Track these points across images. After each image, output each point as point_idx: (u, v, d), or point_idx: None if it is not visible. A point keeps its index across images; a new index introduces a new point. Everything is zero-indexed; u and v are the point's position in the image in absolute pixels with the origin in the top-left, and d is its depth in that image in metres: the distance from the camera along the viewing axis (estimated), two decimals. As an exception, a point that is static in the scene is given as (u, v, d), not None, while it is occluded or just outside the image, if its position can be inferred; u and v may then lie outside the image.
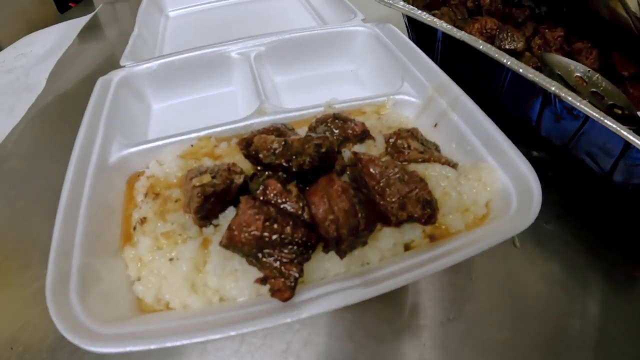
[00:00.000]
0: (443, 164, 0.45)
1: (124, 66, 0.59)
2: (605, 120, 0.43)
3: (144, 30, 0.72)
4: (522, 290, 0.45)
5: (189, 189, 0.38)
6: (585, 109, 0.44)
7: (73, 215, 0.39)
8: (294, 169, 0.38)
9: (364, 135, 0.45)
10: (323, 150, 0.38)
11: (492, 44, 0.60)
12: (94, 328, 0.31)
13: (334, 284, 0.34)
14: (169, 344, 0.29)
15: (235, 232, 0.32)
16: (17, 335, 0.41)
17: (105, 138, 0.48)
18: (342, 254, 0.36)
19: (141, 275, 0.38)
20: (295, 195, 0.37)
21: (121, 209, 0.45)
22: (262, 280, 0.33)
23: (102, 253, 0.39)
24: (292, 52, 0.64)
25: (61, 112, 0.72)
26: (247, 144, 0.41)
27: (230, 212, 0.38)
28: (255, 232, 0.32)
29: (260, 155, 0.39)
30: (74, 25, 0.91)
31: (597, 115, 0.43)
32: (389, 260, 0.38)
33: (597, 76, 0.57)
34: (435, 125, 0.52)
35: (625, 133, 0.41)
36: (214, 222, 0.38)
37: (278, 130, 0.44)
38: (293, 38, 0.63)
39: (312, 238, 0.34)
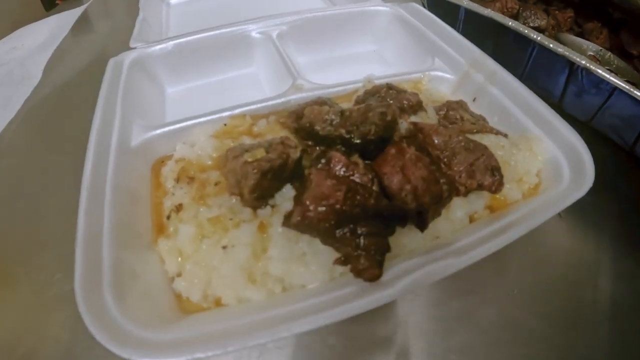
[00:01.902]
0: (495, 134, 0.41)
1: (134, 48, 0.51)
2: (636, 92, 0.43)
3: (149, 16, 0.64)
4: (572, 258, 0.43)
5: (236, 168, 0.31)
6: (615, 80, 0.44)
7: (98, 204, 0.32)
8: (356, 140, 0.32)
9: (418, 106, 0.39)
10: (389, 118, 0.32)
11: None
12: (142, 335, 0.24)
13: (417, 259, 0.29)
14: (249, 343, 0.22)
15: (311, 207, 0.26)
16: (34, 350, 0.33)
17: (124, 121, 0.41)
18: (424, 226, 0.30)
19: (183, 269, 0.31)
20: (363, 167, 0.30)
21: (149, 196, 0.37)
22: (343, 260, 0.27)
23: (134, 246, 0.32)
24: (314, 31, 0.58)
25: (60, 103, 0.63)
26: (298, 117, 0.34)
27: (287, 191, 0.31)
28: (336, 206, 0.26)
29: (317, 128, 0.33)
30: (68, 17, 0.82)
31: (627, 87, 0.43)
32: (462, 232, 0.33)
33: (609, 54, 0.58)
34: (474, 99, 0.48)
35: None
36: (270, 202, 0.31)
37: (325, 104, 0.38)
38: (315, 17, 0.57)
39: (396, 209, 0.28)
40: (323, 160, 0.31)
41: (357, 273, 0.26)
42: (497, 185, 0.35)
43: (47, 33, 0.76)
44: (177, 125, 0.40)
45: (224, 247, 0.29)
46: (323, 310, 0.25)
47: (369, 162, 0.33)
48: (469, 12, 0.59)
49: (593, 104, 0.49)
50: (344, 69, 0.58)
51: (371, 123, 0.32)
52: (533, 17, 0.60)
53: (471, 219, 0.36)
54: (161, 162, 0.41)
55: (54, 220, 0.44)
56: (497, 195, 0.37)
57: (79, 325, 0.34)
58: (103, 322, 0.25)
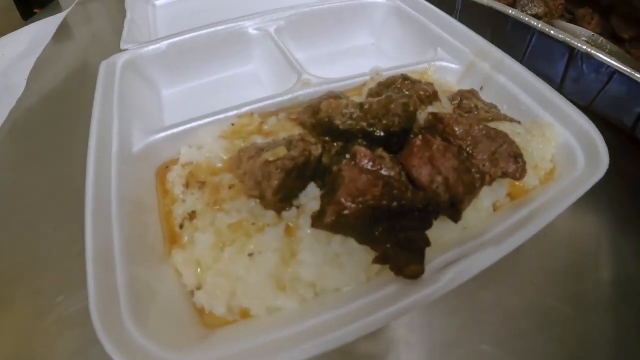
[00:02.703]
0: (510, 122, 0.40)
1: (125, 50, 0.48)
2: (636, 74, 0.43)
3: (136, 17, 0.60)
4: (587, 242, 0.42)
5: (254, 169, 0.29)
6: (616, 64, 0.45)
7: (105, 218, 0.29)
8: (380, 134, 0.30)
9: (434, 96, 0.37)
10: (411, 109, 0.30)
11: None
12: (167, 357, 0.22)
13: (454, 251, 0.28)
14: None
15: (346, 206, 0.24)
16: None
17: (123, 126, 0.37)
18: (458, 217, 0.28)
19: (204, 281, 0.28)
20: (390, 160, 0.28)
21: (156, 205, 0.34)
22: (382, 259, 0.24)
23: (148, 260, 0.29)
24: (312, 26, 0.55)
25: (47, 113, 0.59)
26: (314, 112, 0.32)
27: (311, 190, 0.29)
28: (372, 202, 0.24)
29: (337, 122, 0.30)
30: (49, 25, 0.77)
31: (628, 70, 0.44)
32: (489, 221, 0.32)
33: (602, 39, 0.59)
34: (481, 88, 0.47)
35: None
36: (295, 202, 0.28)
37: (339, 97, 0.35)
38: (313, 11, 0.54)
39: (432, 202, 0.26)
40: (348, 156, 0.28)
41: (399, 271, 0.24)
42: (521, 172, 0.34)
43: (28, 42, 0.70)
44: (182, 128, 0.37)
45: (250, 255, 0.26)
46: (369, 315, 0.22)
47: (392, 155, 0.31)
48: (467, 2, 0.58)
49: (593, 88, 0.49)
50: (344, 63, 0.56)
51: (394, 115, 0.30)
52: (531, 5, 0.60)
53: (494, 208, 0.34)
54: (165, 167, 0.37)
55: (52, 237, 0.40)
56: (517, 183, 0.37)
57: (88, 350, 0.31)
58: (124, 345, 0.22)
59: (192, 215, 0.31)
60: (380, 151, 0.30)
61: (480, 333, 0.34)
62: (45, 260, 0.38)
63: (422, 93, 0.36)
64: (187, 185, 0.34)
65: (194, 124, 0.38)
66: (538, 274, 0.39)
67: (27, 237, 0.41)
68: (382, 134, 0.30)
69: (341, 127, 0.30)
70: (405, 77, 0.37)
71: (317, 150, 0.29)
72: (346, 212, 0.24)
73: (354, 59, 0.57)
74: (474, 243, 0.29)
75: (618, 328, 0.35)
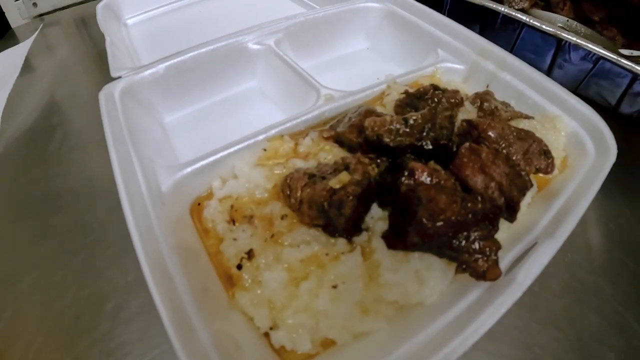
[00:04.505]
0: (525, 118, 0.41)
1: (118, 77, 0.43)
2: (622, 60, 0.48)
3: (115, 40, 0.55)
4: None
5: (315, 197, 0.28)
6: (602, 51, 0.48)
7: (162, 271, 0.26)
8: (428, 147, 0.30)
9: (462, 103, 0.38)
10: (455, 120, 0.31)
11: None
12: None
13: (515, 249, 0.29)
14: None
15: (429, 225, 0.23)
16: None
17: (143, 163, 0.34)
18: (514, 218, 0.29)
19: (280, 320, 0.26)
20: (445, 172, 0.28)
21: (202, 248, 0.31)
22: (463, 268, 0.25)
23: (218, 310, 0.26)
24: (310, 35, 0.54)
25: (26, 155, 0.52)
26: (360, 130, 0.31)
27: (375, 211, 0.28)
28: (452, 217, 0.24)
29: (387, 140, 0.30)
30: (13, 57, 0.67)
31: (613, 56, 0.48)
32: (530, 215, 0.33)
33: (575, 24, 0.62)
34: (487, 86, 0.48)
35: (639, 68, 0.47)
36: (362, 226, 0.28)
37: (374, 112, 0.35)
38: (308, 20, 0.53)
39: (496, 207, 0.26)
40: (406, 173, 0.28)
41: (479, 276, 0.25)
42: (552, 167, 0.36)
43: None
44: (211, 159, 0.35)
45: (334, 287, 0.25)
46: (469, 323, 0.22)
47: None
48: (453, 2, 0.59)
49: (579, 74, 0.53)
50: (346, 70, 0.55)
51: (441, 127, 0.30)
52: (517, 0, 0.62)
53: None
54: (197, 204, 0.35)
55: (84, 297, 0.36)
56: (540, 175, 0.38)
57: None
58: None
59: (251, 254, 0.29)
60: (432, 164, 0.30)
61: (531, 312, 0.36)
62: (82, 326, 0.34)
63: (452, 101, 0.36)
64: (232, 222, 0.32)
65: (223, 154, 0.35)
66: (567, 252, 0.40)
67: (52, 299, 0.36)
68: (431, 146, 0.30)
69: (391, 144, 0.30)
70: (435, 87, 0.37)
71: (373, 171, 0.29)
72: (430, 231, 0.24)
73: (353, 65, 0.56)
74: (529, 238, 0.30)
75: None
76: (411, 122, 0.31)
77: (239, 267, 0.29)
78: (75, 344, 0.33)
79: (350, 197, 0.25)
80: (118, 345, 0.33)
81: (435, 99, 0.36)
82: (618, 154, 0.37)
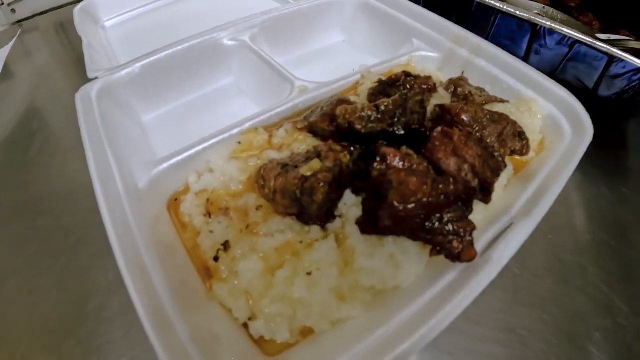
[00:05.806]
0: (500, 102, 0.42)
1: (95, 78, 0.43)
2: (597, 43, 0.48)
3: (92, 41, 0.54)
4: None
5: (288, 185, 0.28)
6: (577, 35, 0.48)
7: (140, 268, 0.26)
8: (400, 132, 0.30)
9: (434, 89, 0.38)
10: (427, 104, 0.31)
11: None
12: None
13: (491, 230, 0.29)
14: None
15: (400, 208, 0.24)
16: None
17: (120, 161, 0.34)
18: (489, 199, 0.29)
19: (258, 310, 0.26)
20: (417, 157, 0.29)
21: (179, 242, 0.31)
22: (438, 250, 0.25)
23: (196, 303, 0.26)
24: (285, 29, 0.53)
25: (7, 161, 0.51)
26: (332, 119, 0.31)
27: (348, 197, 0.28)
28: (423, 199, 0.24)
29: (358, 127, 0.30)
30: None
31: (588, 39, 0.48)
32: (505, 197, 0.34)
33: (552, 10, 0.62)
34: (463, 72, 0.48)
35: (615, 50, 0.46)
36: (335, 212, 0.28)
37: (347, 101, 0.35)
38: (284, 15, 0.52)
39: (469, 189, 0.27)
40: (378, 158, 0.28)
41: (455, 257, 0.25)
42: (526, 148, 0.36)
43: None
44: (186, 154, 0.35)
45: (309, 274, 0.25)
46: (444, 304, 0.23)
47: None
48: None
49: (556, 58, 0.53)
50: (322, 63, 0.55)
51: (412, 112, 0.30)
52: None
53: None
54: (174, 200, 0.35)
55: (66, 299, 0.36)
56: (516, 157, 0.39)
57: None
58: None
59: (227, 245, 0.29)
60: (405, 149, 0.30)
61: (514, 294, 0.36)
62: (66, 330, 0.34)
63: (424, 87, 0.36)
64: (208, 215, 0.32)
65: (198, 148, 0.35)
66: (548, 232, 0.41)
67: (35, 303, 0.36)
68: (403, 132, 0.30)
69: (363, 130, 0.30)
70: (407, 74, 0.37)
71: (345, 158, 0.29)
72: (401, 214, 0.24)
73: (330, 58, 0.56)
74: (506, 218, 0.30)
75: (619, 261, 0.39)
76: (382, 108, 0.31)
77: (216, 259, 0.29)
78: (59, 345, 0.33)
79: (322, 184, 0.25)
80: (102, 344, 0.33)
81: (408, 86, 0.36)
82: (598, 136, 0.36)
